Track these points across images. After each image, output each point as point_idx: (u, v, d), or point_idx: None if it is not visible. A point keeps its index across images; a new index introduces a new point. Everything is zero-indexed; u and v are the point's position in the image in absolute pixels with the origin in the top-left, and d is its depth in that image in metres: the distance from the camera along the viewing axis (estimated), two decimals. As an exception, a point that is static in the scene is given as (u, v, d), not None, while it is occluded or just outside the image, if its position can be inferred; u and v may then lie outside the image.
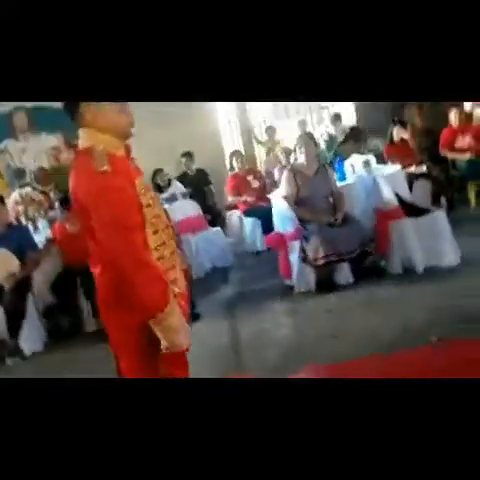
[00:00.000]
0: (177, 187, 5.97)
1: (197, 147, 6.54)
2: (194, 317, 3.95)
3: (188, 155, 6.47)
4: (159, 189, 5.94)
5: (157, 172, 6.01)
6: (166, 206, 5.19)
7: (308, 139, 4.16)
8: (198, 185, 6.19)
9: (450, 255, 3.82)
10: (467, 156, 5.45)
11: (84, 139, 1.48)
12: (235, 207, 5.89)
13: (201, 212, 5.43)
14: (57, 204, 4.44)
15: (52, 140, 6.55)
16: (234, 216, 6.00)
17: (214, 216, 5.84)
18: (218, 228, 5.35)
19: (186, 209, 5.32)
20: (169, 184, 5.94)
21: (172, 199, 5.43)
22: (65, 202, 4.09)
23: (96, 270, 1.52)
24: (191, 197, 5.68)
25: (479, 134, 5.52)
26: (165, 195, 5.78)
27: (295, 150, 4.32)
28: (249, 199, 5.60)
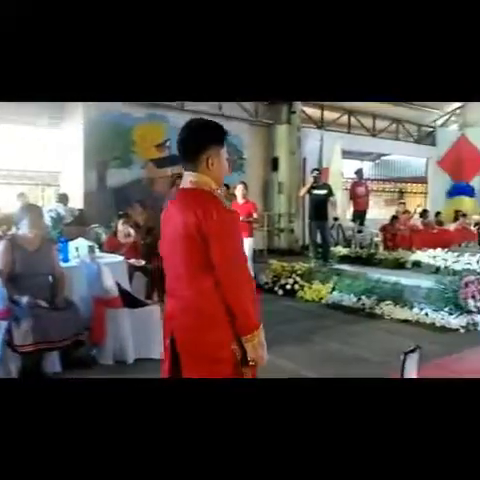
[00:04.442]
0: None
1: None
2: None
3: None
4: None
5: None
6: None
7: (36, 211, 3.84)
8: None
9: (160, 348, 3.98)
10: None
11: (199, 183, 1.85)
12: None
13: None
14: None
15: None
16: None
17: None
18: None
19: None
20: None
21: None
22: None
23: (207, 284, 1.80)
24: None
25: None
26: None
27: (17, 220, 3.94)
28: None
